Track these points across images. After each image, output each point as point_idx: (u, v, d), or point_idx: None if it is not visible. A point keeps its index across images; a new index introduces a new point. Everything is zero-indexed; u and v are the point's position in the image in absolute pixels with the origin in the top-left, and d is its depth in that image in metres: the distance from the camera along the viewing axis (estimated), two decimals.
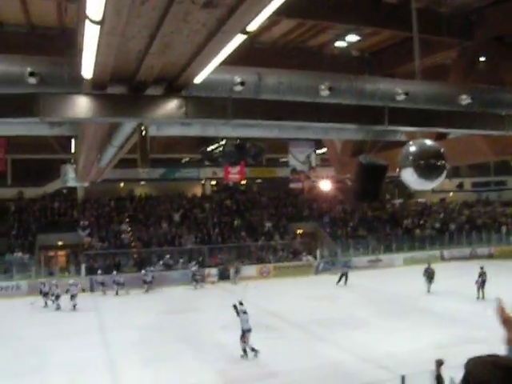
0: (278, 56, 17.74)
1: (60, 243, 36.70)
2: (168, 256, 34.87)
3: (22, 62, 9.85)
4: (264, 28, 15.19)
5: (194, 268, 32.30)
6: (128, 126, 10.87)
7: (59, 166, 25.97)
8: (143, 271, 31.45)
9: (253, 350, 16.44)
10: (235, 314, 16.77)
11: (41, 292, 26.92)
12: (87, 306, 25.76)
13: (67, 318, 23.72)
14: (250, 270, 34.99)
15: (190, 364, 16.05)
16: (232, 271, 33.97)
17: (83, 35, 6.75)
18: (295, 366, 15.45)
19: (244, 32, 6.42)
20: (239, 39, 6.70)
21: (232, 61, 8.24)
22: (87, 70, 7.85)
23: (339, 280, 31.01)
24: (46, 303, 26.37)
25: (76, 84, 9.81)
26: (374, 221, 44.76)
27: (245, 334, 16.43)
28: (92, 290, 30.86)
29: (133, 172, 39.33)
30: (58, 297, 25.50)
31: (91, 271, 32.38)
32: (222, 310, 24.66)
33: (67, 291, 25.75)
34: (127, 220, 39.75)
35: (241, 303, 17.16)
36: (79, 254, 34.88)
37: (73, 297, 25.47)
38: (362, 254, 39.43)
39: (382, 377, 13.78)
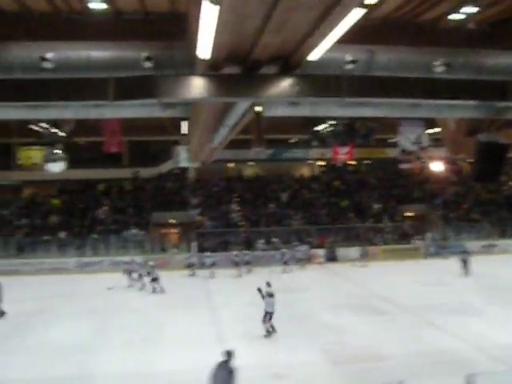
0: (390, 32, 17.12)
1: (172, 221, 38.25)
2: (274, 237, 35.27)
3: (139, 47, 10.38)
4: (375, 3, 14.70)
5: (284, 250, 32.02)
6: (241, 105, 11.01)
7: (172, 148, 27.01)
8: (234, 252, 31.90)
9: (272, 328, 16.72)
10: (260, 297, 16.70)
11: (126, 272, 26.76)
12: (197, 284, 26.73)
13: (178, 292, 24.77)
14: (357, 252, 34.60)
15: (296, 342, 16.18)
16: (358, 253, 33.67)
17: (200, 17, 6.88)
18: (401, 351, 15.11)
19: (362, 5, 6.25)
20: (357, 13, 6.53)
21: (341, 39, 8.06)
22: (204, 51, 8.02)
23: (464, 267, 27.86)
24: (130, 283, 26.31)
25: (189, 66, 10.14)
26: (489, 204, 42.49)
27: (266, 315, 16.68)
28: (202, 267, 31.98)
29: (242, 153, 40.12)
30: (154, 279, 24.86)
31: (202, 249, 33.51)
32: (329, 291, 24.79)
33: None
34: (236, 200, 40.59)
35: (268, 285, 17.23)
36: (190, 232, 36.16)
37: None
38: (476, 238, 37.63)
39: (494, 368, 13.16)
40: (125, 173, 42.20)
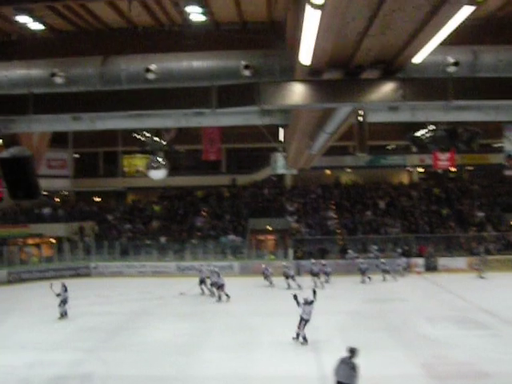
0: (495, 31, 16.25)
1: (269, 228, 38.49)
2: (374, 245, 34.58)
3: (238, 56, 10.52)
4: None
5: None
6: (342, 111, 10.83)
7: (269, 155, 27.13)
8: (361, 259, 31.34)
9: (304, 338, 16.67)
10: (296, 304, 16.63)
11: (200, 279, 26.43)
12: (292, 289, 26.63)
13: (276, 298, 24.79)
14: (458, 262, 33.10)
15: (392, 354, 15.62)
16: (478, 261, 32.02)
17: (301, 22, 6.79)
18: (508, 368, 14.15)
19: (472, 2, 5.89)
20: (466, 11, 6.18)
21: (444, 40, 7.69)
22: (305, 57, 7.93)
23: None
24: (202, 291, 26.18)
25: (287, 73, 10.16)
26: None
27: (301, 321, 16.72)
28: (299, 273, 31.78)
29: (339, 159, 39.70)
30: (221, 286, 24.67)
31: (298, 256, 33.45)
32: (428, 302, 23.83)
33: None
34: (333, 207, 40.19)
35: (314, 292, 17.32)
36: (287, 239, 36.19)
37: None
38: None
39: None
40: (223, 180, 43.06)
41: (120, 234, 37.20)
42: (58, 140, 26.76)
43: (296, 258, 33.50)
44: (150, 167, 17.93)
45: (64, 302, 20.99)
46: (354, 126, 10.83)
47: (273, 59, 10.43)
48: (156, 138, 20.27)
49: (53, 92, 10.58)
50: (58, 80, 11.24)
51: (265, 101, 9.19)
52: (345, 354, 10.14)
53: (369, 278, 29.50)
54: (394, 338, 17.45)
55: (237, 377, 13.95)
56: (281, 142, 22.82)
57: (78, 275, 32.57)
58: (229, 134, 37.94)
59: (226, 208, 40.30)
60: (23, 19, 13.91)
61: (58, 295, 20.85)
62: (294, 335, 16.97)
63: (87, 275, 32.91)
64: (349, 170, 44.57)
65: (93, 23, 14.46)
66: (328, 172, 44.56)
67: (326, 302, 23.93)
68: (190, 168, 43.08)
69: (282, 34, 11.90)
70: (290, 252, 33.97)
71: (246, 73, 10.10)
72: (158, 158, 17.57)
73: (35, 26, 14.29)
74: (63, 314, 20.96)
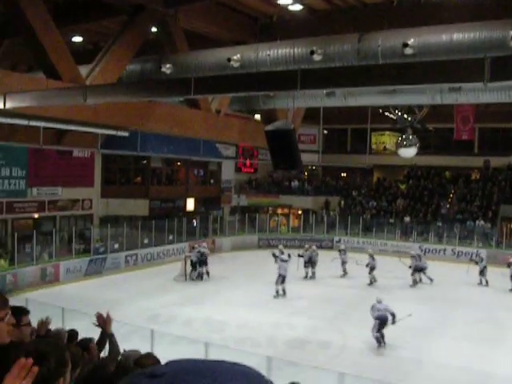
0: None
1: None
2: None
3: (505, 26, 9.74)
4: None
5: None
6: None
7: None
8: None
9: (283, 291, 20.67)
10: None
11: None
12: None
13: None
14: None
15: None
16: None
17: None
18: None
19: None
20: None
21: None
22: None
23: None
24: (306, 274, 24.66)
25: None
26: None
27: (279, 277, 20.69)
28: None
29: None
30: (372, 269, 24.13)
31: None
32: None
33: None
34: None
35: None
36: None
37: None
38: None
39: None
40: (474, 161, 40.51)
41: (364, 211, 37.65)
42: (310, 116, 27.93)
43: None
44: (400, 145, 17.74)
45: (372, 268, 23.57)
46: None
47: None
48: (406, 116, 19.95)
49: (314, 68, 11.11)
50: (317, 57, 11.76)
51: None
52: None
53: None
54: None
55: (474, 371, 13.27)
56: None
57: (321, 247, 33.93)
58: (482, 113, 35.44)
59: (475, 191, 37.95)
60: (285, 1, 14.82)
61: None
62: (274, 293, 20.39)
63: (330, 248, 34.09)
64: None
65: (348, 1, 14.70)
66: None
67: None
68: (439, 147, 41.35)
69: None
70: None
71: None
72: (409, 136, 17.28)
73: (294, 7, 15.12)
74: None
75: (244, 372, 1.06)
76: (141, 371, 1.09)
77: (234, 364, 1.09)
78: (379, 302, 15.14)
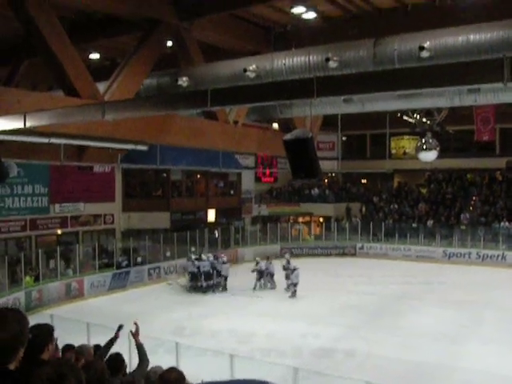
0: None
1: None
2: None
3: None
4: None
5: None
6: None
7: None
8: None
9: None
10: None
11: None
12: None
13: None
14: None
15: None
16: None
17: None
18: None
19: None
20: None
21: None
22: None
23: None
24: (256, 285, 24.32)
25: None
26: None
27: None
28: None
29: None
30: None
31: None
32: None
33: None
34: None
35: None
36: None
37: None
38: None
39: None
40: (497, 162, 39.97)
41: (386, 216, 37.34)
42: (328, 123, 27.86)
43: None
44: (419, 149, 17.55)
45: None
46: None
47: None
48: (425, 119, 19.75)
49: (329, 75, 11.07)
50: (332, 64, 11.71)
51: None
52: None
53: None
54: None
55: (503, 376, 13.01)
56: None
57: (344, 254, 33.68)
58: (503, 113, 34.99)
59: (499, 193, 37.42)
60: (299, 10, 14.83)
61: None
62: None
63: (353, 255, 33.83)
64: None
65: (363, 6, 14.64)
66: None
67: None
68: (460, 150, 40.91)
69: None
70: None
71: None
72: (428, 140, 17.10)
73: (308, 15, 15.12)
74: None
75: None
76: None
77: (251, 381, 1.06)
78: None
